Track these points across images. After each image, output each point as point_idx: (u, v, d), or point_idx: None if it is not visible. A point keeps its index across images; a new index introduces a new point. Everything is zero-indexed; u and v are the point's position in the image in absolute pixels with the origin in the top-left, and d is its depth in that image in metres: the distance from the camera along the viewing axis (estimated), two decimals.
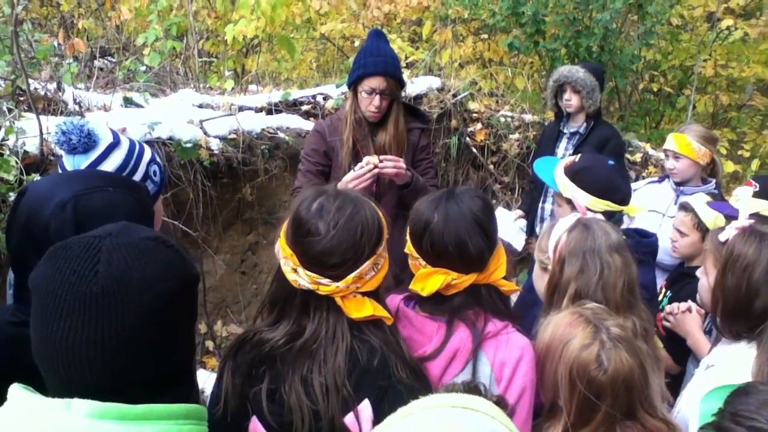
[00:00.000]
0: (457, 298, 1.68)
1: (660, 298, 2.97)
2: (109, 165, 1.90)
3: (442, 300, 1.69)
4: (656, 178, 3.90)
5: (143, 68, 5.20)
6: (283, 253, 1.51)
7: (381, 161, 2.75)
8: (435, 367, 1.59)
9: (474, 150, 5.33)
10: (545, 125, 4.74)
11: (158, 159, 2.07)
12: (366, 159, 2.77)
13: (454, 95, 5.24)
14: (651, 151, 5.48)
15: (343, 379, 1.40)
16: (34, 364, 1.06)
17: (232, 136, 4.17)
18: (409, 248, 1.75)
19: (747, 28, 6.33)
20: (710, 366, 1.93)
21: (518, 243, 4.09)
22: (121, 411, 0.98)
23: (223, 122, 4.19)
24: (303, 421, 1.39)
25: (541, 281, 2.07)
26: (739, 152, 6.80)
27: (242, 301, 4.41)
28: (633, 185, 3.57)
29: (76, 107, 3.84)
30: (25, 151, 3.19)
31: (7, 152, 3.12)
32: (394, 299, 1.76)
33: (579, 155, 2.60)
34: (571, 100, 4.09)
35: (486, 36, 6.87)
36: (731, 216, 2.75)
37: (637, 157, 5.38)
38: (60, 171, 1.99)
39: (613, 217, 2.40)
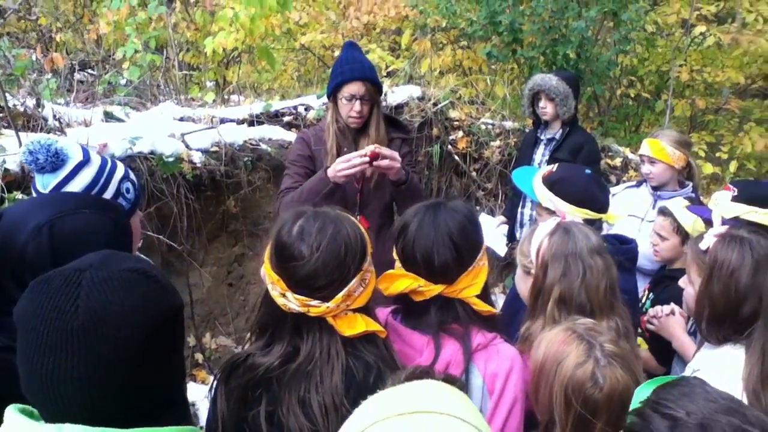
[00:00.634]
0: (432, 309, 1.69)
1: (643, 301, 3.01)
2: (78, 183, 1.90)
3: (421, 312, 1.70)
4: (634, 183, 3.96)
5: (123, 82, 5.18)
6: (270, 278, 1.51)
7: (378, 155, 2.71)
8: None
9: (456, 158, 5.37)
10: (525, 132, 4.80)
11: (132, 176, 2.06)
12: (367, 149, 2.73)
13: (435, 104, 5.28)
14: (630, 156, 5.55)
15: (341, 397, 1.40)
16: (17, 391, 1.08)
17: (215, 148, 4.17)
18: (394, 251, 1.78)
19: (720, 34, 6.44)
20: (696, 370, 1.95)
21: (501, 249, 4.14)
22: None
23: (204, 135, 4.18)
24: None
25: (524, 285, 2.09)
26: (717, 154, 6.89)
27: (230, 313, 4.40)
28: (612, 189, 3.63)
29: (56, 123, 3.82)
30: (6, 169, 3.17)
31: None
32: (382, 312, 1.76)
33: (556, 165, 2.64)
34: (546, 108, 4.17)
35: (465, 44, 6.93)
36: (710, 219, 2.81)
37: (617, 161, 5.45)
38: (33, 189, 2.00)
39: (593, 225, 2.41)
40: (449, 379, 1.13)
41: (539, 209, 2.56)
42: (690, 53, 6.92)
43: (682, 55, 6.77)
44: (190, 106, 4.90)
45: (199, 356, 4.16)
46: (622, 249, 2.49)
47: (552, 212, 2.43)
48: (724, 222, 2.72)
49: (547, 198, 2.45)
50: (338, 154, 2.97)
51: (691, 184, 3.66)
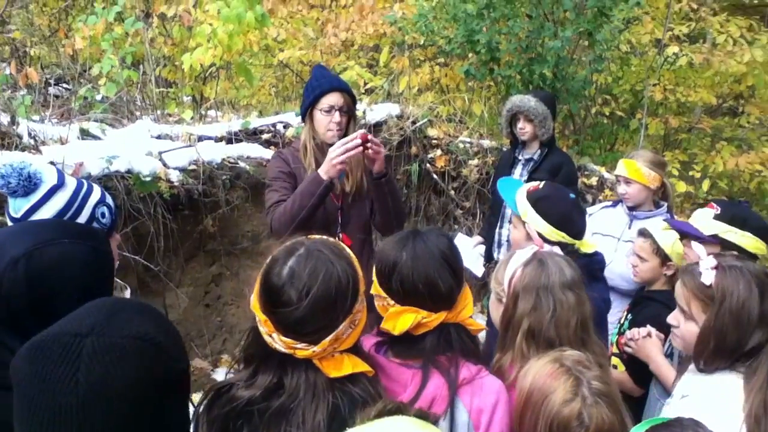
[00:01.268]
0: (428, 338, 1.67)
1: (621, 322, 3.04)
2: (51, 208, 1.87)
3: (414, 342, 1.69)
4: (610, 203, 4.00)
5: (99, 97, 5.13)
6: (258, 316, 1.49)
7: (368, 138, 2.70)
8: None
9: (435, 176, 5.39)
10: (502, 151, 4.83)
11: (108, 200, 2.03)
12: (358, 132, 2.72)
13: (414, 122, 5.30)
14: (606, 175, 5.62)
15: None
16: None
17: (192, 167, 4.13)
18: (376, 289, 1.74)
19: (692, 54, 6.57)
20: (685, 396, 1.94)
21: (478, 269, 4.15)
22: None
23: (182, 153, 4.15)
24: None
25: (496, 312, 2.08)
26: (690, 173, 7.01)
27: (206, 335, 4.35)
28: (588, 209, 3.68)
29: (31, 141, 3.76)
30: None
31: None
32: (367, 341, 1.75)
33: (543, 183, 2.63)
34: (524, 129, 4.20)
35: (442, 61, 6.98)
36: (690, 233, 2.85)
37: (593, 180, 5.51)
38: (6, 213, 1.96)
39: (566, 249, 2.40)
40: (422, 415, 1.12)
41: (516, 221, 2.57)
42: (663, 72, 7.04)
43: (655, 74, 6.89)
44: (167, 122, 4.86)
45: None
46: (594, 260, 2.55)
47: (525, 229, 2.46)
48: (702, 239, 2.77)
49: (529, 214, 2.46)
50: None
51: (665, 204, 3.71)
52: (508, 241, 4.30)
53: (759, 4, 10.13)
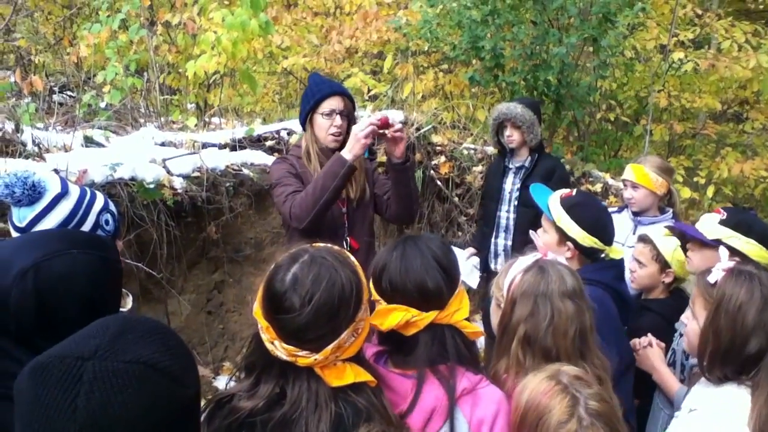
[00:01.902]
0: (421, 340, 1.66)
1: None
2: (55, 217, 1.87)
3: (411, 350, 1.67)
4: (616, 209, 3.99)
5: (103, 105, 5.14)
6: (260, 323, 1.48)
7: (390, 122, 2.75)
8: (414, 427, 1.57)
9: (439, 183, 5.38)
10: (491, 162, 4.81)
11: (112, 207, 2.04)
12: (377, 114, 2.76)
13: (418, 128, 5.29)
14: (611, 181, 5.60)
15: None
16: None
17: (196, 174, 4.13)
18: (373, 294, 1.74)
19: (697, 60, 6.55)
20: (693, 410, 1.92)
21: (473, 281, 4.15)
22: None
23: (186, 160, 4.15)
24: None
25: (495, 318, 2.07)
26: (695, 179, 6.98)
27: (208, 342, 4.33)
28: None
29: (35, 148, 3.77)
30: None
31: None
32: (367, 350, 1.73)
33: (575, 190, 2.69)
34: (512, 136, 4.21)
35: (446, 67, 6.98)
36: (693, 236, 2.84)
37: (598, 187, 5.49)
38: (9, 222, 1.95)
39: (596, 254, 2.50)
40: None
41: (546, 225, 2.59)
42: (668, 79, 7.02)
43: (660, 80, 6.87)
44: (171, 129, 4.86)
45: None
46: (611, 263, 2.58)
47: (560, 232, 2.49)
48: (706, 243, 2.76)
49: (563, 219, 2.49)
50: None
51: (671, 210, 3.69)
52: (505, 250, 4.32)
53: (764, 9, 10.10)
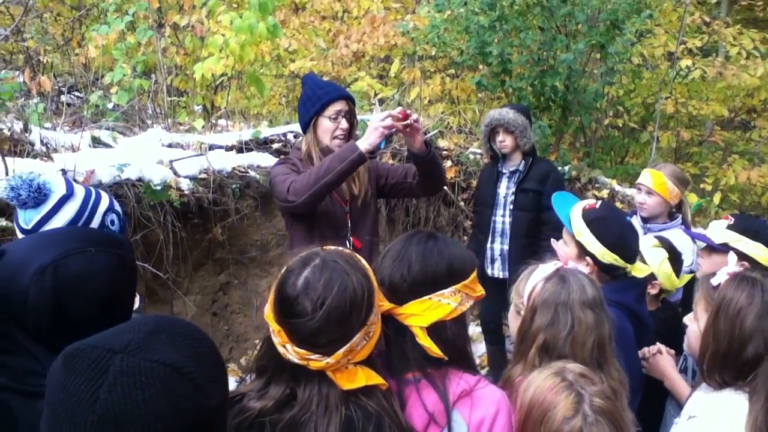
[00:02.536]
0: (396, 344, 1.64)
1: None
2: (61, 218, 1.88)
3: (393, 353, 1.65)
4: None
5: (111, 106, 5.16)
6: (271, 326, 1.47)
7: (408, 115, 2.73)
8: None
9: (444, 187, 5.37)
10: (483, 168, 4.80)
11: (117, 207, 2.04)
12: (398, 109, 2.76)
13: (424, 133, 5.26)
14: (617, 188, 5.59)
15: None
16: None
17: (203, 175, 4.14)
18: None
19: (704, 67, 6.55)
20: (692, 416, 1.92)
21: None
22: None
23: (193, 162, 4.16)
24: None
25: (514, 324, 2.06)
26: (702, 186, 6.97)
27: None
28: None
29: (43, 148, 3.78)
30: None
31: None
32: None
33: (599, 202, 2.54)
34: (505, 141, 4.22)
35: (453, 72, 6.99)
36: (701, 241, 2.82)
37: (604, 193, 5.47)
38: (15, 225, 1.95)
39: (617, 272, 2.37)
40: None
41: (567, 238, 2.49)
42: (675, 86, 7.02)
43: (667, 87, 6.87)
44: (178, 131, 4.88)
45: None
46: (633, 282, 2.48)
47: (580, 246, 2.39)
48: (713, 247, 2.75)
49: (583, 233, 2.38)
50: None
51: (679, 215, 3.67)
52: (501, 255, 4.33)
53: None
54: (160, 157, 4.06)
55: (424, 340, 1.61)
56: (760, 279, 1.93)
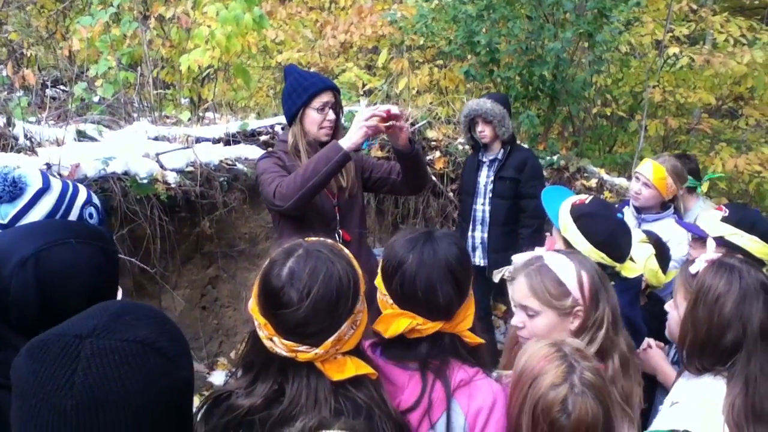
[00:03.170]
0: (423, 345, 1.65)
1: None
2: (38, 212, 1.85)
3: (408, 346, 1.66)
4: (616, 205, 3.95)
5: (96, 99, 5.10)
6: (257, 320, 1.45)
7: (393, 114, 2.72)
8: (413, 420, 1.57)
9: (433, 178, 5.36)
10: (467, 158, 4.82)
11: (95, 200, 2.02)
12: (383, 106, 2.75)
13: (413, 123, 5.27)
14: (606, 177, 5.59)
15: None
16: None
17: (190, 168, 4.09)
18: (378, 282, 1.73)
19: (692, 55, 6.55)
20: (675, 403, 1.93)
21: None
22: None
23: (179, 155, 4.11)
24: None
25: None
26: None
27: (203, 337, 4.31)
28: None
29: (27, 143, 3.73)
30: None
31: None
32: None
33: (590, 198, 2.46)
34: (484, 131, 4.30)
35: (441, 62, 6.96)
36: (695, 234, 2.82)
37: (593, 183, 5.48)
38: None
39: (604, 271, 2.24)
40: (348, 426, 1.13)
41: (555, 234, 2.45)
42: (663, 74, 7.03)
43: (655, 76, 6.87)
44: (164, 123, 4.83)
45: None
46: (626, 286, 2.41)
47: (567, 243, 2.33)
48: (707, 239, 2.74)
49: (570, 230, 2.31)
50: None
51: (672, 205, 3.66)
52: (482, 243, 4.39)
53: (759, 5, 10.12)
54: (146, 150, 4.01)
55: (473, 338, 1.70)
56: (738, 266, 1.93)
